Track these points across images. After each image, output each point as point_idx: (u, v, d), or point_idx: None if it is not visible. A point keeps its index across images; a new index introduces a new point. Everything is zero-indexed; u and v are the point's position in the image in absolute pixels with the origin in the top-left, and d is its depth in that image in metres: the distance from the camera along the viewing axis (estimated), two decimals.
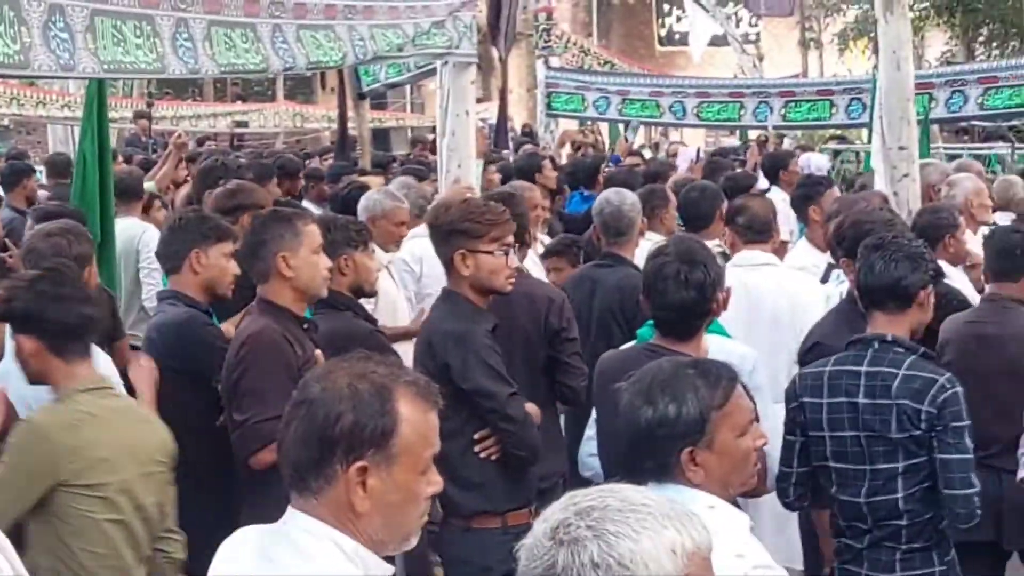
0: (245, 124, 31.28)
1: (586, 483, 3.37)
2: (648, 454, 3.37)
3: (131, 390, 5.18)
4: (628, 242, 7.40)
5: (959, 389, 4.73)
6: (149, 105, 21.98)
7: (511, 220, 5.76)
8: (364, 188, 9.10)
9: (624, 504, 2.17)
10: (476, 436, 5.49)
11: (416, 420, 2.80)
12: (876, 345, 4.94)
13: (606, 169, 12.91)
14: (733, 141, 22.72)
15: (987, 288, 6.20)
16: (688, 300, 4.85)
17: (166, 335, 5.85)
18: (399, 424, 2.76)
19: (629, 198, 7.64)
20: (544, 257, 8.23)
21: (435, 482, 2.86)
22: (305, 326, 5.47)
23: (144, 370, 5.35)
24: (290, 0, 8.08)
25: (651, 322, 5.20)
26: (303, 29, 8.18)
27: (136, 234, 8.80)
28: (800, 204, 8.50)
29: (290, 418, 2.80)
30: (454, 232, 5.58)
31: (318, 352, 5.22)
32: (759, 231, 7.18)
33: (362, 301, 6.39)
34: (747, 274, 6.77)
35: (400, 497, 2.78)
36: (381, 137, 30.40)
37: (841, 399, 4.92)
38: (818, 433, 4.97)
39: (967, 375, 4.89)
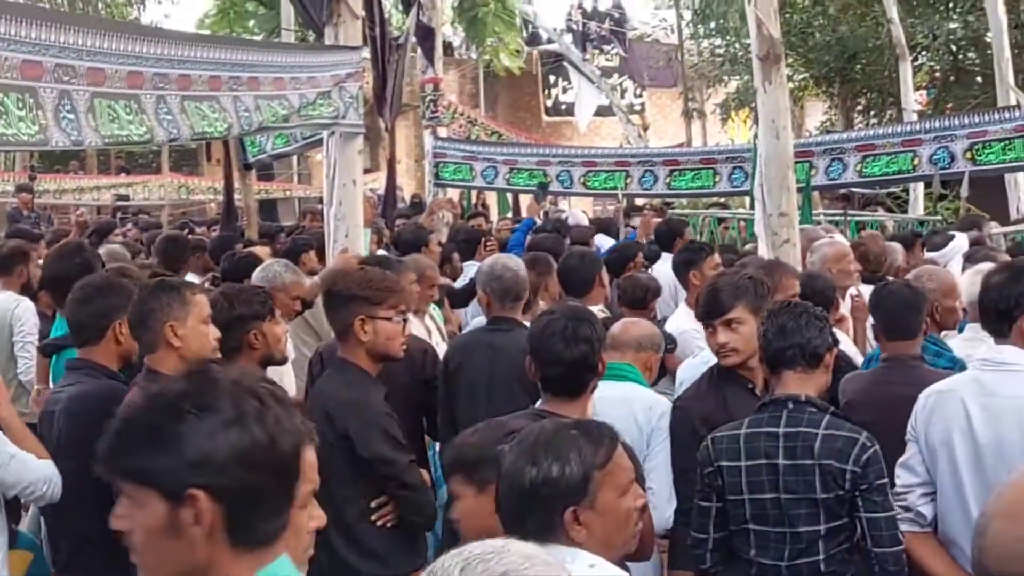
0: (127, 197, 31.01)
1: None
2: (531, 514, 3.38)
3: None
4: (521, 306, 7.47)
5: (877, 447, 4.78)
6: (32, 179, 21.74)
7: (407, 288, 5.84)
8: (255, 258, 9.10)
9: (529, 560, 2.22)
10: (373, 504, 5.50)
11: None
12: (790, 405, 4.95)
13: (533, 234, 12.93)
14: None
15: (882, 347, 6.30)
16: (577, 355, 4.90)
17: (89, 407, 5.50)
18: None
19: (522, 264, 7.73)
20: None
21: (316, 516, 2.88)
22: None
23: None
24: (174, 71, 8.06)
25: None
26: (187, 100, 8.16)
27: (9, 308, 8.70)
28: (681, 269, 8.61)
29: None
30: (354, 298, 5.63)
31: None
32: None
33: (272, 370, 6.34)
34: None
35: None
36: (268, 208, 30.22)
37: (760, 461, 4.90)
38: (737, 497, 4.95)
39: (881, 436, 4.94)
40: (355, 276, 5.76)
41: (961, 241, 10.77)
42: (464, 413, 6.59)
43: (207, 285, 8.75)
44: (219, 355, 5.67)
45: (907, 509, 5.17)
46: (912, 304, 6.20)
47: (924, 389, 5.62)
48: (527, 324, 7.32)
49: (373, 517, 5.53)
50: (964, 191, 16.76)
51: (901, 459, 5.25)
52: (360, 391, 5.54)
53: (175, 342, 5.39)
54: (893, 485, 5.00)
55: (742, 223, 17.99)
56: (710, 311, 5.90)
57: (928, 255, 9.77)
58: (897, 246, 10.31)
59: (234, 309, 5.82)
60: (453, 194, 23.23)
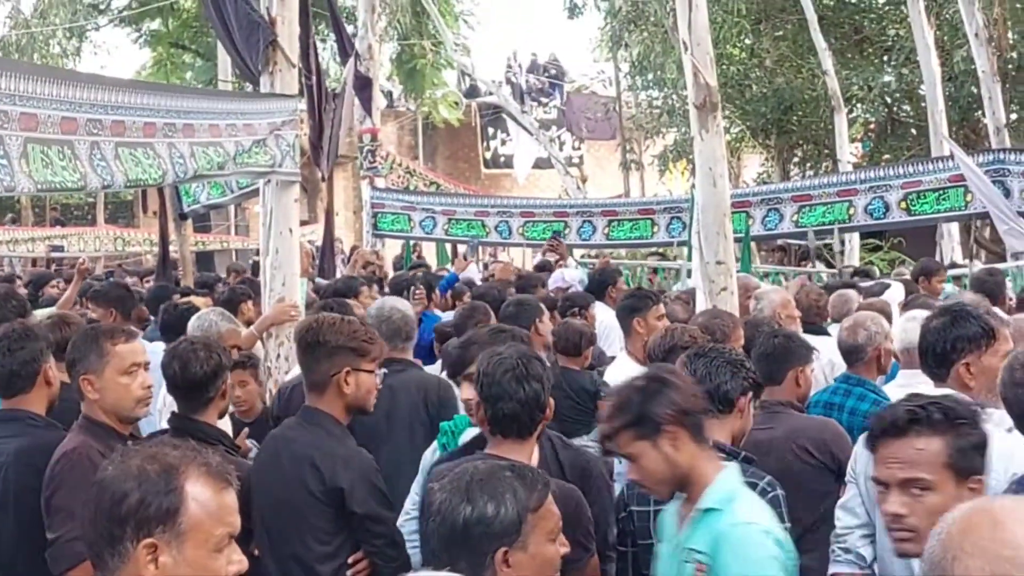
0: (62, 248, 30.79)
1: None
2: (462, 552, 3.35)
3: None
4: (411, 346, 7.42)
5: (780, 492, 4.76)
6: None
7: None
8: (194, 308, 9.01)
9: None
10: (351, 560, 5.37)
11: (205, 498, 2.86)
12: None
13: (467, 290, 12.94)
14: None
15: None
16: (530, 393, 4.85)
17: (36, 459, 5.29)
18: (185, 501, 2.82)
19: (409, 305, 7.76)
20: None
21: (236, 561, 2.90)
22: (130, 442, 5.33)
23: None
24: (108, 118, 7.97)
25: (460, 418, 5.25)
26: (121, 147, 8.07)
27: None
28: (625, 316, 8.59)
29: (88, 500, 2.88)
30: (341, 349, 5.47)
31: None
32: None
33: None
34: None
35: (193, 574, 2.82)
36: (205, 259, 30.09)
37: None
38: (647, 541, 4.94)
39: None
40: (342, 327, 5.59)
41: (896, 290, 10.84)
42: None
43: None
44: (147, 408, 5.57)
45: (847, 551, 5.20)
46: (772, 354, 6.26)
47: (784, 434, 5.69)
48: (420, 364, 7.34)
49: (349, 573, 5.38)
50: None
51: (841, 501, 5.30)
52: (348, 445, 5.40)
53: (91, 395, 5.31)
54: (795, 527, 4.98)
55: (670, 272, 18.09)
56: None
57: (878, 300, 9.81)
58: (852, 294, 10.35)
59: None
60: (394, 245, 23.22)
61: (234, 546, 2.89)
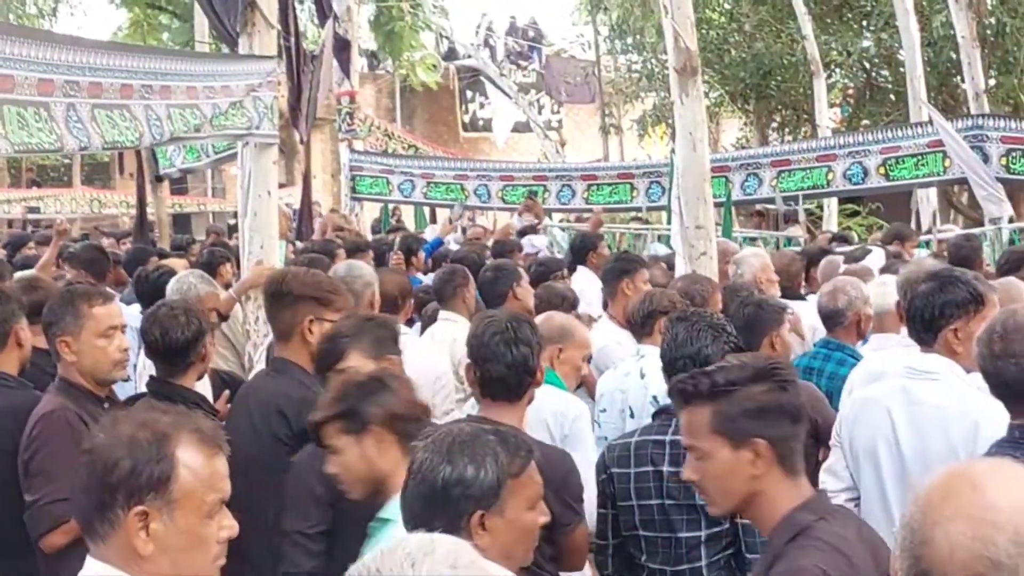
0: (38, 210, 30.66)
1: None
2: (439, 513, 3.33)
3: None
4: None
5: None
6: None
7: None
8: (168, 272, 8.97)
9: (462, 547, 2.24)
10: None
11: (197, 465, 2.86)
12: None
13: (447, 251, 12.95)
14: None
15: None
16: (519, 356, 4.85)
17: (9, 420, 5.30)
18: (177, 468, 2.82)
19: (371, 269, 7.78)
20: None
21: (227, 526, 2.91)
22: (106, 405, 5.33)
23: None
24: (85, 79, 7.91)
25: None
26: (98, 108, 8.01)
27: None
28: (613, 278, 8.56)
29: (78, 467, 2.87)
30: (304, 299, 5.55)
31: None
32: None
33: None
34: None
35: (185, 541, 2.83)
36: (182, 222, 30.05)
37: (647, 468, 4.96)
38: (627, 503, 4.99)
39: None
40: (305, 277, 5.69)
41: (877, 256, 10.84)
42: None
43: None
44: (124, 371, 5.56)
45: None
46: (746, 325, 6.23)
47: None
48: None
49: None
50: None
51: (826, 464, 5.32)
52: (311, 391, 5.40)
53: (68, 357, 5.29)
54: None
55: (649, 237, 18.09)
56: None
57: (859, 265, 9.82)
58: (839, 260, 10.36)
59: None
60: (372, 208, 23.15)
61: (225, 511, 2.90)
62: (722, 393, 3.61)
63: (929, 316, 5.08)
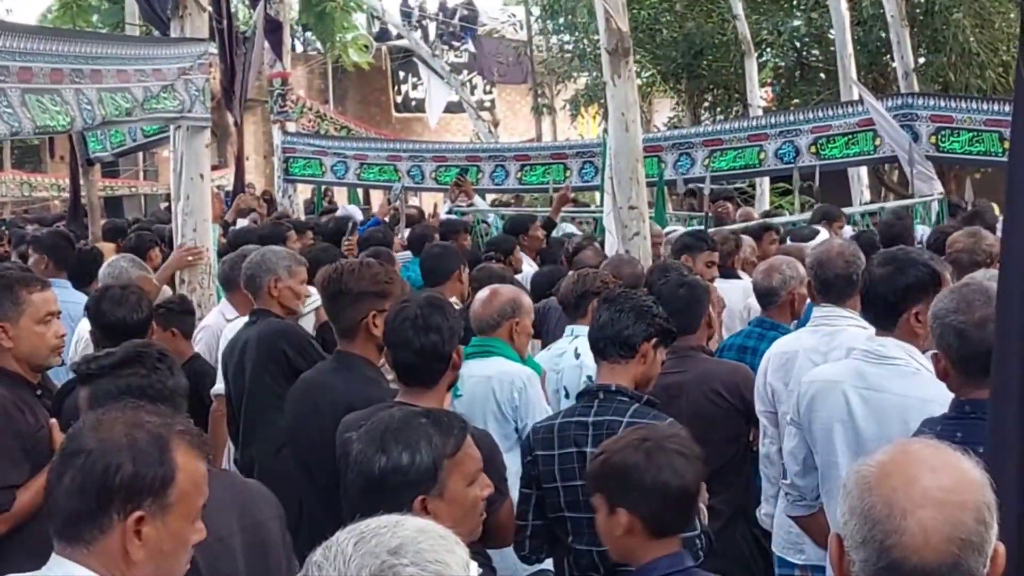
0: None
1: None
2: (380, 502, 3.34)
3: None
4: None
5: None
6: None
7: None
8: (98, 251, 8.94)
9: (423, 533, 2.28)
10: None
11: (191, 469, 2.84)
12: (601, 395, 5.06)
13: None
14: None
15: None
16: (427, 344, 4.87)
17: None
18: (177, 473, 2.79)
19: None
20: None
21: (200, 529, 2.89)
22: (39, 392, 5.30)
23: None
24: (15, 64, 7.85)
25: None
26: (28, 93, 7.95)
27: None
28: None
29: (63, 469, 2.78)
30: (367, 295, 5.55)
31: (52, 420, 5.02)
32: None
33: None
34: None
35: (173, 545, 2.81)
36: (114, 205, 29.74)
37: (570, 449, 4.99)
38: (551, 485, 5.02)
39: None
40: (364, 273, 5.66)
41: (825, 235, 10.92)
42: None
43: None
44: (59, 357, 5.53)
45: (801, 497, 5.39)
46: (681, 307, 6.27)
47: (695, 377, 5.95)
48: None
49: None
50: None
51: (787, 447, 5.41)
52: (382, 388, 5.42)
53: (5, 343, 5.25)
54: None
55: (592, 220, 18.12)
56: None
57: (794, 245, 9.88)
58: (747, 238, 10.43)
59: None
60: (305, 190, 23.05)
61: (200, 516, 2.89)
62: None
63: (892, 300, 4.98)
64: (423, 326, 4.89)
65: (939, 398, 4.41)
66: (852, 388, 5.00)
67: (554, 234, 13.02)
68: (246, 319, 7.38)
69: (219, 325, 7.96)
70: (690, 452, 4.10)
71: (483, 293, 6.47)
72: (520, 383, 5.99)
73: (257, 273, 7.22)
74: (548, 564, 5.39)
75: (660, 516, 3.97)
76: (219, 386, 7.45)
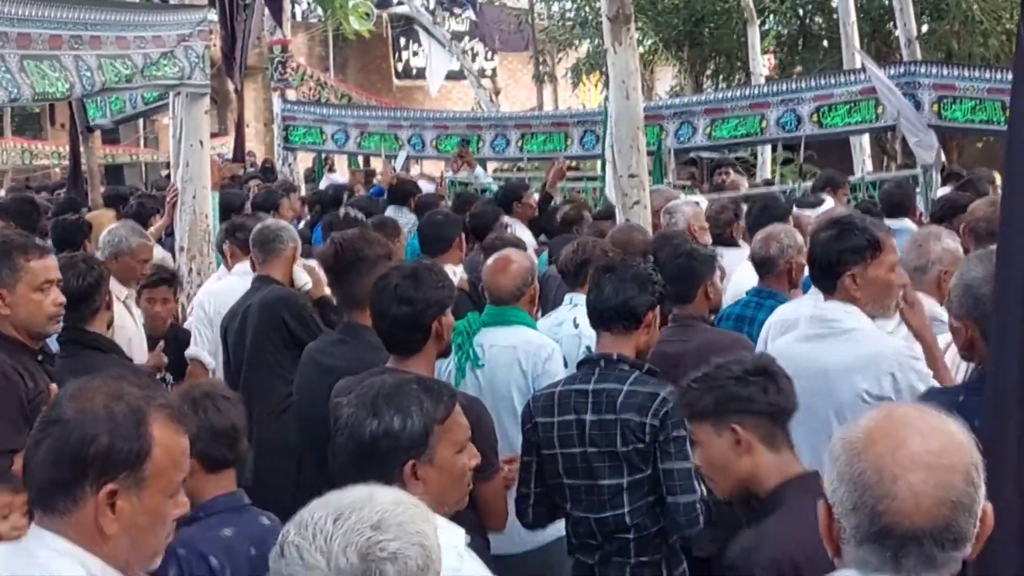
0: None
1: None
2: (370, 467, 3.36)
3: None
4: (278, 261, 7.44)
5: None
6: None
7: None
8: (86, 222, 8.95)
9: (399, 505, 2.31)
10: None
11: (169, 444, 2.78)
12: (602, 364, 5.10)
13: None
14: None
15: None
16: (400, 314, 4.89)
17: None
18: (153, 448, 2.73)
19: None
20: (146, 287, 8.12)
21: (182, 504, 2.85)
22: (40, 358, 5.31)
23: None
24: (13, 30, 7.84)
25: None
26: (27, 59, 7.95)
27: None
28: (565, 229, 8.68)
29: (40, 437, 2.74)
30: (381, 259, 5.62)
31: (53, 386, 5.02)
32: None
33: None
34: None
35: (149, 520, 2.75)
36: (114, 173, 29.67)
37: (570, 417, 5.04)
38: (551, 451, 5.06)
39: None
40: (372, 238, 5.80)
41: (831, 202, 10.90)
42: None
43: None
44: (58, 324, 5.54)
45: None
46: (678, 276, 6.28)
47: (695, 347, 5.93)
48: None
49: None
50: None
51: None
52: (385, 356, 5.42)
53: (3, 309, 5.26)
54: None
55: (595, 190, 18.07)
56: None
57: (801, 212, 9.86)
58: (746, 208, 10.39)
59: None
60: (305, 158, 22.99)
61: (182, 490, 2.85)
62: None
63: (828, 263, 5.24)
64: (399, 297, 4.91)
65: (885, 351, 4.95)
66: (799, 354, 5.17)
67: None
68: (233, 276, 7.46)
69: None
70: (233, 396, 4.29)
71: (497, 262, 6.44)
72: (546, 354, 6.02)
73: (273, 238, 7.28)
74: (559, 529, 5.41)
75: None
76: (193, 349, 7.50)
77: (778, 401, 3.97)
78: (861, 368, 5.05)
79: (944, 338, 4.99)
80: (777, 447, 3.94)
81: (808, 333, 5.37)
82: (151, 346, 7.29)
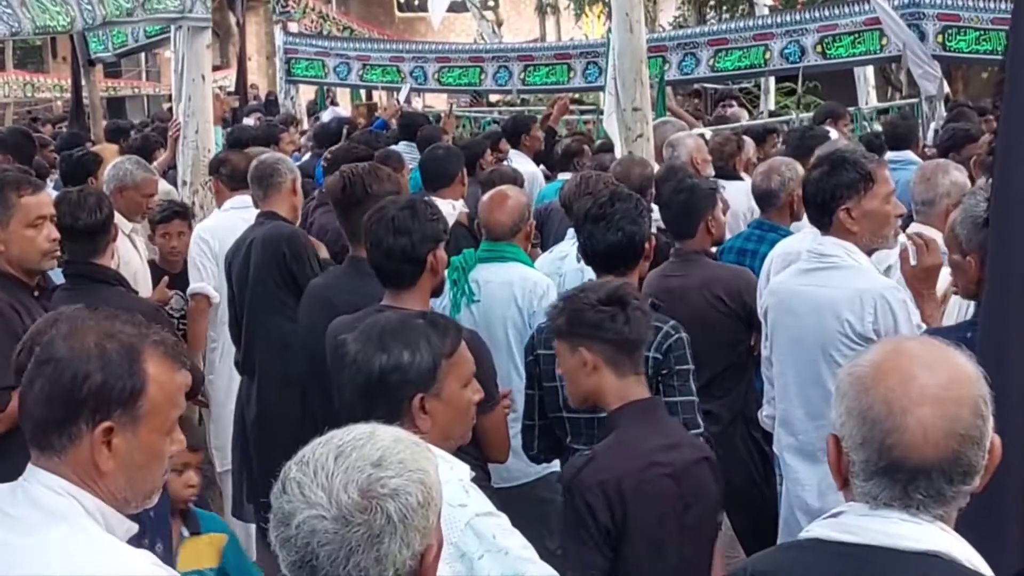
0: None
1: None
2: (379, 400, 3.40)
3: None
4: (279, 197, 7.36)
5: (684, 335, 4.89)
6: None
7: None
8: (93, 156, 8.92)
9: (399, 442, 2.32)
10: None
11: (164, 381, 2.77)
12: None
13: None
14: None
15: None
16: (394, 245, 4.88)
17: None
18: (147, 385, 2.72)
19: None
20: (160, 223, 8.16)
21: (178, 440, 2.84)
22: (36, 294, 5.33)
23: None
24: None
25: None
26: None
27: None
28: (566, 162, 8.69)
29: (34, 376, 2.73)
30: (389, 195, 5.48)
31: None
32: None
33: None
34: None
35: (145, 457, 2.75)
36: (116, 106, 29.63)
37: None
38: (551, 384, 5.03)
39: None
40: (379, 174, 5.75)
41: (835, 135, 10.88)
42: None
43: None
44: (53, 260, 5.54)
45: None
46: (679, 212, 6.38)
47: (698, 282, 6.08)
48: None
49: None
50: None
51: (764, 354, 5.72)
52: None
53: None
54: (703, 372, 5.20)
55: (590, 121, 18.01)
56: None
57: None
58: (749, 141, 10.39)
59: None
60: (307, 91, 22.92)
61: (178, 427, 2.85)
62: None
63: (822, 200, 5.29)
64: (395, 228, 4.90)
65: (873, 287, 5.04)
66: (794, 289, 5.36)
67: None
68: (231, 211, 7.51)
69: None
70: None
71: (493, 197, 6.40)
72: (541, 290, 6.02)
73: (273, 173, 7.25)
74: (556, 466, 5.44)
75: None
76: (199, 285, 7.52)
77: (624, 331, 4.23)
78: (847, 301, 5.12)
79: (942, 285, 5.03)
80: (622, 372, 4.25)
81: (805, 267, 5.43)
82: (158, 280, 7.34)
